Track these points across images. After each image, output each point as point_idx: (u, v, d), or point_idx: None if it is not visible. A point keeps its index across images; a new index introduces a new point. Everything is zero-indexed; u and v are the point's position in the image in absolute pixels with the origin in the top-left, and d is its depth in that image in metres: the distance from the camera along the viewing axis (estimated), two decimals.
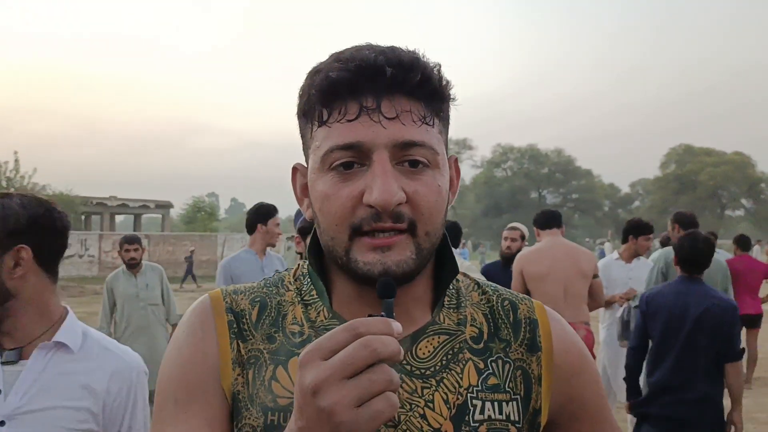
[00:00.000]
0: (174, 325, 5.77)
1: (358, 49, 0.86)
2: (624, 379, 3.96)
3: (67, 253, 1.80)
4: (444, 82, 0.88)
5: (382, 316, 0.72)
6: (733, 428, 3.64)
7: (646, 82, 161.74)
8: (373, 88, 0.83)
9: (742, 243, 8.53)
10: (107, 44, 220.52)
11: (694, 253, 3.69)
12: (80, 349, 1.61)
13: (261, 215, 4.90)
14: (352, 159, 0.84)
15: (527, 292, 4.48)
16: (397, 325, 0.69)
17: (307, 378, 0.66)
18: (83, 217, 36.41)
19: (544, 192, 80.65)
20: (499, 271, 5.34)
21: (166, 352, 0.95)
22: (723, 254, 9.12)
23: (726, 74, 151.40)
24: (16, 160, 30.70)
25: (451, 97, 0.91)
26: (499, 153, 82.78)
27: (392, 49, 0.85)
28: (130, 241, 5.61)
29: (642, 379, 3.89)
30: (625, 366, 3.94)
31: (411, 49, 0.87)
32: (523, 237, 5.85)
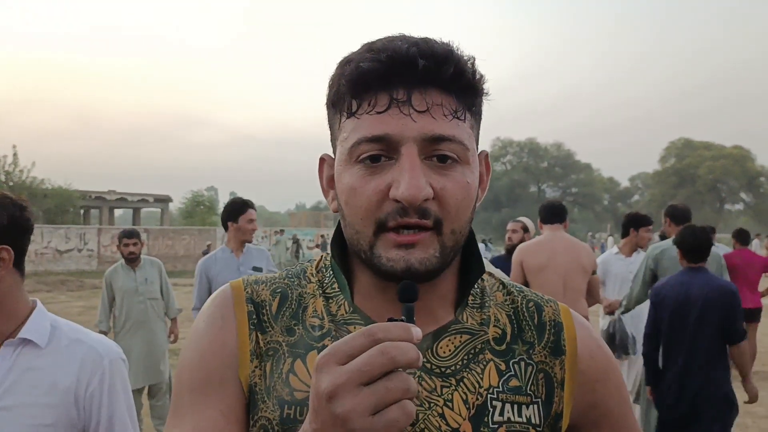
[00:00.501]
0: (173, 320, 5.78)
1: (390, 39, 0.83)
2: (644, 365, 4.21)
3: (66, 247, 1.81)
4: (477, 76, 0.86)
5: (402, 320, 0.70)
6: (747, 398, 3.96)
7: (646, 76, 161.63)
8: (404, 80, 0.81)
9: (741, 237, 8.53)
10: (107, 37, 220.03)
11: (694, 244, 3.95)
12: (48, 344, 1.59)
13: (231, 213, 4.81)
14: (380, 152, 0.82)
15: (526, 284, 4.48)
16: (417, 331, 0.67)
17: (322, 382, 0.65)
18: (82, 211, 36.39)
19: (543, 186, 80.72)
20: (504, 264, 5.33)
21: (186, 341, 0.94)
22: (722, 248, 9.13)
23: (725, 68, 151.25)
24: (15, 154, 30.70)
25: (485, 91, 0.89)
26: (498, 147, 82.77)
27: (426, 40, 0.83)
28: (129, 235, 5.59)
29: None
30: (642, 354, 4.17)
31: (445, 40, 0.85)
32: (525, 229, 5.85)
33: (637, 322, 5.25)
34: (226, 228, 4.86)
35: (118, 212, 43.65)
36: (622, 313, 5.18)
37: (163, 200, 38.59)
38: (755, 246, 19.34)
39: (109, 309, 5.59)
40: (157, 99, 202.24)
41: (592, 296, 4.90)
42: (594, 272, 4.83)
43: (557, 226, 4.81)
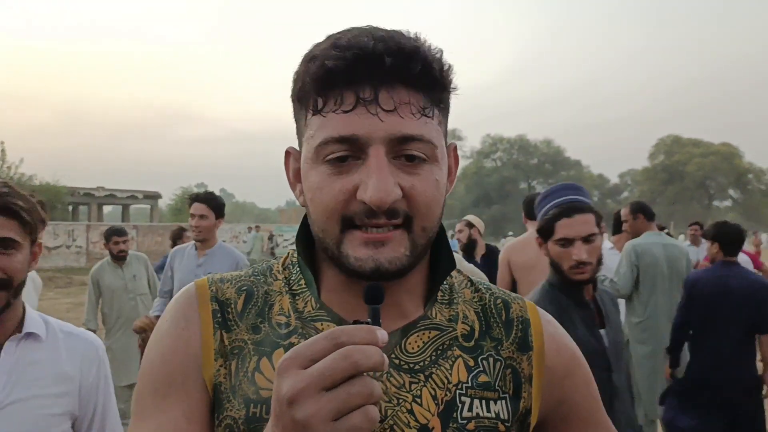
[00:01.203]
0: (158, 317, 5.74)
1: (356, 35, 0.81)
2: (667, 350, 4.48)
3: (55, 243, 1.82)
4: (445, 71, 0.84)
5: (367, 322, 0.69)
6: (765, 387, 4.18)
7: (635, 74, 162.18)
8: (370, 78, 0.79)
9: None
10: (95, 32, 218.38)
11: (733, 237, 4.17)
12: (46, 337, 1.63)
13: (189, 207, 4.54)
14: (347, 152, 0.80)
15: (514, 282, 4.49)
16: (382, 334, 0.66)
17: (283, 387, 0.64)
18: (70, 207, 36.15)
19: (533, 182, 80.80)
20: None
21: (149, 342, 0.92)
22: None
23: (714, 65, 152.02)
24: (2, 150, 30.47)
25: (452, 86, 0.87)
26: (488, 143, 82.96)
27: (392, 35, 0.80)
28: (119, 233, 5.53)
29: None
30: (671, 339, 4.39)
31: (413, 33, 0.83)
32: (470, 225, 5.96)
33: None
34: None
35: (107, 209, 43.42)
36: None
37: (153, 197, 38.40)
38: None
39: (95, 307, 5.53)
40: (146, 94, 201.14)
41: None
42: None
43: None
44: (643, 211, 5.09)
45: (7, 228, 1.53)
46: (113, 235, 5.53)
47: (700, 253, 7.91)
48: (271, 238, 27.68)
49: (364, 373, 0.64)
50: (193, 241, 4.53)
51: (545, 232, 2.42)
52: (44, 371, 1.60)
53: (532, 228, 4.85)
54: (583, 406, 0.99)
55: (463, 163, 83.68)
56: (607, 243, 6.15)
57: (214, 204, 4.35)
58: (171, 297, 4.30)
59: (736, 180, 70.85)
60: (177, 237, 7.03)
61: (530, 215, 4.90)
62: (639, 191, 76.43)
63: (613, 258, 5.79)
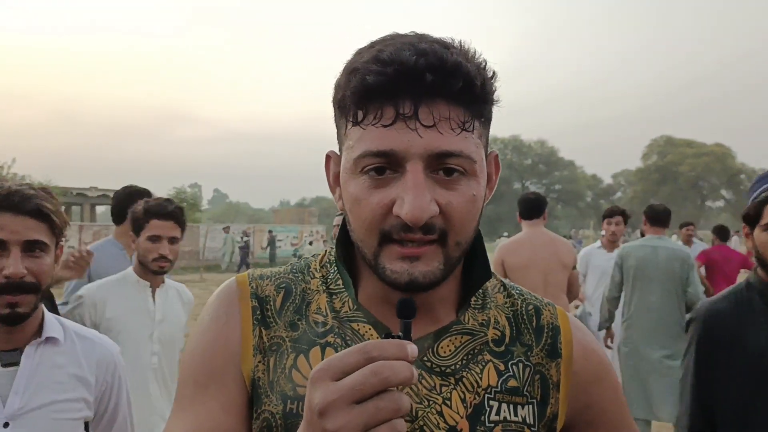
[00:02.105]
0: None
1: (398, 48, 0.80)
2: None
3: None
4: (488, 85, 0.84)
5: (399, 336, 0.71)
6: None
7: (629, 75, 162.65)
8: (411, 93, 0.79)
9: (721, 233, 8.63)
10: (89, 32, 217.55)
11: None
12: (64, 341, 1.63)
13: (133, 201, 3.74)
14: (385, 165, 0.81)
15: None
16: (412, 349, 0.67)
17: (315, 397, 0.66)
18: (63, 207, 35.65)
19: (527, 183, 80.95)
20: None
21: (191, 334, 0.95)
22: (701, 245, 9.26)
23: (707, 67, 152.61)
24: None
25: (495, 99, 0.87)
26: None
27: (435, 49, 0.80)
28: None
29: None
30: None
31: (457, 43, 0.83)
32: None
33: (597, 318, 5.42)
34: (120, 220, 3.95)
35: (100, 209, 43.24)
36: (607, 320, 5.24)
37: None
38: (734, 242, 19.57)
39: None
40: (139, 94, 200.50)
41: (571, 292, 4.93)
42: (574, 267, 4.85)
43: (537, 222, 4.75)
44: (647, 215, 5.19)
45: (37, 231, 1.53)
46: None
47: (693, 253, 7.96)
48: (242, 237, 27.57)
49: (396, 388, 0.66)
50: (110, 239, 4.06)
51: (752, 218, 2.04)
52: (63, 376, 1.59)
53: (527, 228, 4.85)
54: (610, 411, 1.00)
55: None
56: (596, 242, 6.18)
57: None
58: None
59: (729, 180, 71.13)
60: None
61: (525, 215, 4.89)
62: (632, 191, 76.69)
63: (598, 257, 5.85)
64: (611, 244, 5.85)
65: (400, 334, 0.72)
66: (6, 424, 1.48)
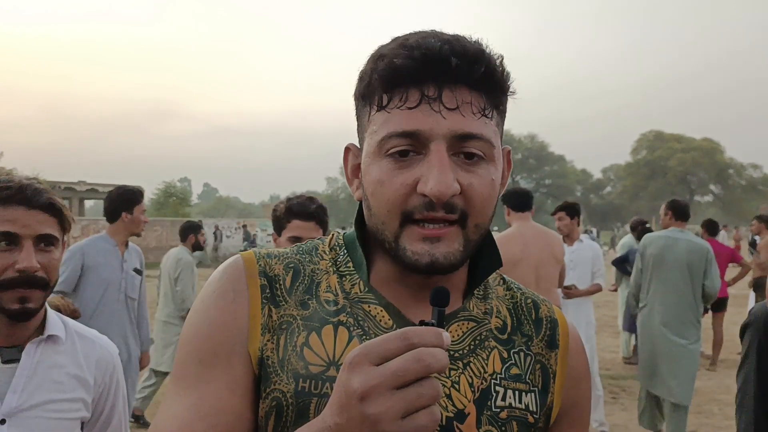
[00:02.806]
0: None
1: (423, 36, 0.85)
2: None
3: None
4: (506, 76, 0.88)
5: (432, 323, 0.72)
6: None
7: (619, 69, 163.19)
8: (436, 78, 0.83)
9: (710, 228, 8.69)
10: (76, 27, 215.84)
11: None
12: (65, 339, 1.61)
13: (126, 201, 4.17)
14: (409, 147, 0.83)
15: None
16: (447, 337, 0.69)
17: (354, 381, 0.67)
18: None
19: (517, 177, 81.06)
20: None
21: (192, 311, 0.93)
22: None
23: (696, 62, 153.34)
24: None
25: (511, 90, 0.90)
26: None
27: (457, 38, 0.85)
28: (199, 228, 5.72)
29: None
30: None
31: (475, 38, 0.87)
32: None
33: (578, 312, 5.52)
34: (114, 218, 4.18)
35: (88, 203, 43.01)
36: (636, 307, 5.45)
37: None
38: (722, 237, 19.70)
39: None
40: (128, 89, 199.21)
41: (559, 285, 4.95)
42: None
43: (526, 215, 4.77)
44: (672, 209, 5.37)
45: (49, 225, 1.52)
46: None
47: None
48: (215, 232, 27.33)
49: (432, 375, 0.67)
50: (103, 235, 4.24)
51: None
52: (62, 376, 1.57)
53: (517, 222, 4.84)
54: (585, 414, 1.04)
55: None
56: (584, 236, 6.20)
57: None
58: (64, 294, 3.88)
59: (717, 175, 71.54)
60: (194, 231, 6.34)
61: (517, 207, 4.82)
62: (621, 186, 77.01)
63: (584, 248, 5.88)
64: (565, 238, 5.90)
65: (434, 321, 0.73)
66: (3, 422, 1.47)
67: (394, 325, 0.90)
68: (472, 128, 0.83)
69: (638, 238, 8.37)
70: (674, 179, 70.41)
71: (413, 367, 0.65)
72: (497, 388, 0.91)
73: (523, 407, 0.92)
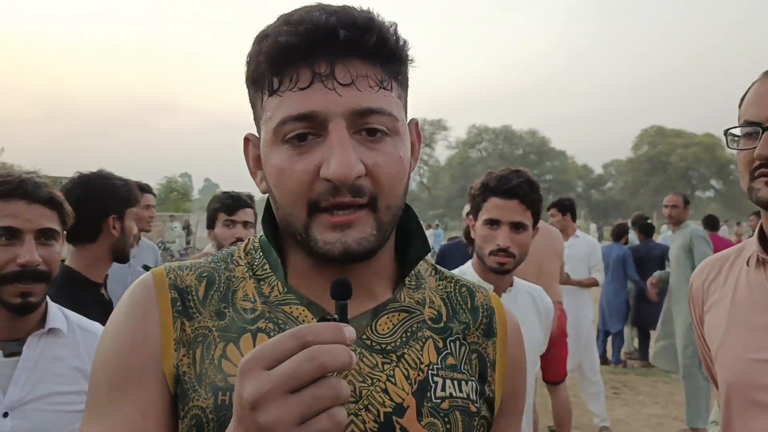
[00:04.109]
0: None
1: (308, 10, 0.79)
2: None
3: None
4: (401, 43, 0.83)
5: (335, 319, 0.67)
6: None
7: (620, 64, 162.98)
8: (326, 53, 0.78)
9: (711, 223, 8.71)
10: (75, 21, 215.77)
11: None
12: (67, 332, 1.62)
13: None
14: (307, 130, 0.79)
15: None
16: (350, 331, 0.64)
17: (246, 389, 0.61)
18: None
19: None
20: (462, 251, 5.36)
21: (103, 333, 0.88)
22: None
23: (697, 56, 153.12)
24: None
25: (409, 58, 0.86)
26: (473, 134, 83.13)
27: (345, 9, 0.79)
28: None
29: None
30: None
31: (366, 8, 0.82)
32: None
33: (576, 306, 5.56)
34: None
35: None
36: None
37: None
38: (724, 232, 19.72)
39: None
40: (129, 84, 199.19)
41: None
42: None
43: None
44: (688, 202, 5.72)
45: (50, 219, 1.53)
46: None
47: None
48: (187, 227, 27.25)
49: (333, 374, 0.62)
50: None
51: None
52: (64, 368, 1.58)
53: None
54: (521, 401, 1.02)
55: (448, 153, 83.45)
56: (580, 232, 6.20)
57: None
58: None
59: (718, 171, 71.51)
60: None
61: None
62: (623, 182, 77.00)
63: (579, 243, 5.88)
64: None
65: (336, 316, 0.68)
66: (5, 414, 1.47)
67: None
68: (370, 102, 0.79)
69: (640, 233, 8.38)
70: (675, 175, 70.37)
71: (305, 367, 0.60)
72: (435, 378, 0.88)
73: (465, 396, 0.89)
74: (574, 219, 6.04)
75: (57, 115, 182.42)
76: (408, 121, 0.90)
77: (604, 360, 7.91)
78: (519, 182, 2.08)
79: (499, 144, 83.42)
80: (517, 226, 2.09)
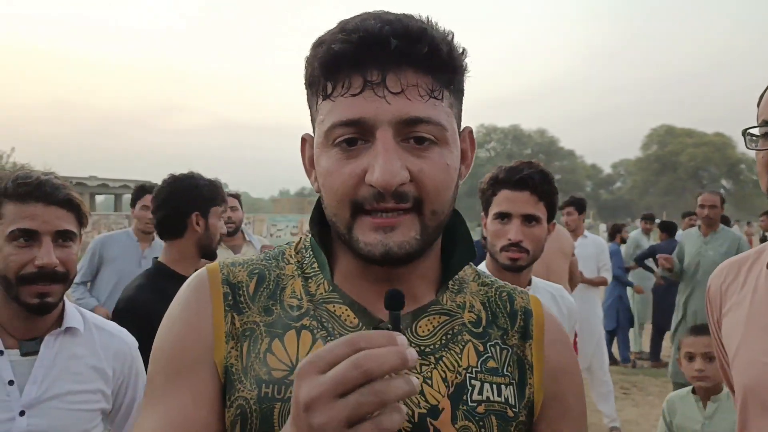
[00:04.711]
0: None
1: (364, 18, 0.82)
2: None
3: None
4: (455, 53, 0.84)
5: (388, 328, 0.70)
6: None
7: (629, 63, 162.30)
8: (377, 61, 0.80)
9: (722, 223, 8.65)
10: (83, 22, 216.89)
11: None
12: (84, 331, 1.64)
13: (132, 199, 4.45)
14: (355, 135, 0.81)
15: None
16: (401, 339, 0.66)
17: (301, 391, 0.66)
18: None
19: None
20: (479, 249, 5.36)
21: (161, 325, 0.93)
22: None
23: (707, 56, 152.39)
24: None
25: (465, 67, 0.87)
26: (482, 133, 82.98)
27: (400, 18, 0.81)
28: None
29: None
30: None
31: (424, 17, 0.84)
32: None
33: (584, 305, 5.48)
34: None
35: (99, 198, 43.20)
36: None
37: None
38: (735, 231, 19.60)
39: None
40: (137, 84, 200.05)
41: (572, 279, 4.95)
42: (572, 254, 4.86)
43: None
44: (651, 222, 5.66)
45: (67, 220, 1.55)
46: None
47: None
48: None
49: (387, 376, 0.64)
50: (128, 230, 4.44)
51: None
52: (82, 366, 1.60)
53: None
54: (575, 409, 0.99)
55: None
56: (588, 232, 6.17)
57: None
58: (86, 286, 4.23)
59: (729, 170, 71.08)
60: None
61: None
62: (632, 181, 76.68)
63: (588, 243, 5.85)
64: (570, 233, 5.87)
65: (389, 325, 0.71)
66: (22, 413, 1.49)
67: (360, 324, 0.88)
68: (419, 112, 0.80)
69: (663, 231, 8.33)
70: (685, 174, 70.01)
71: (351, 373, 0.63)
72: (473, 382, 0.89)
73: (503, 401, 0.90)
74: (583, 219, 6.02)
75: (69, 113, 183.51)
76: (462, 128, 0.91)
77: (612, 360, 7.89)
78: (530, 173, 1.95)
79: (508, 144, 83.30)
80: (529, 219, 1.95)
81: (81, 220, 1.60)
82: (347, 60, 0.80)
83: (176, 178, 2.52)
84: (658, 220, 9.27)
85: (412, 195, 0.81)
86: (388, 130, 0.80)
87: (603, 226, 34.35)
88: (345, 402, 0.63)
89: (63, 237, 1.54)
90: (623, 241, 8.75)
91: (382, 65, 0.80)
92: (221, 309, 0.90)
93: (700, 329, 2.95)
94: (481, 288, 1.00)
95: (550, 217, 2.05)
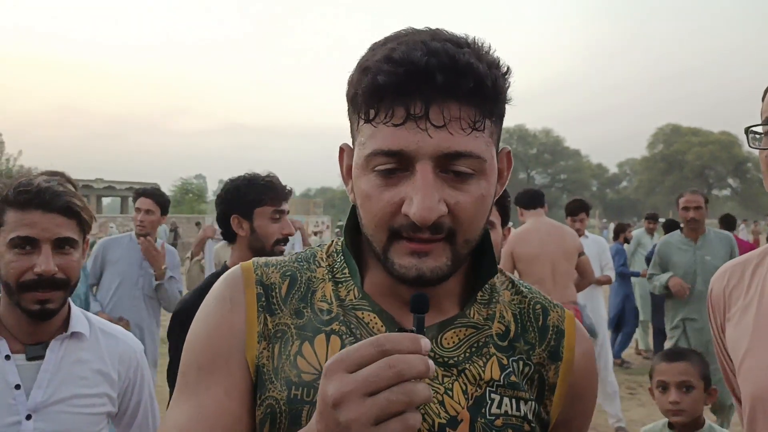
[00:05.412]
0: None
1: (410, 48, 0.80)
2: None
3: None
4: (500, 82, 0.84)
5: (412, 331, 0.72)
6: None
7: (635, 62, 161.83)
8: (421, 93, 0.79)
9: (727, 222, 8.63)
10: (93, 28, 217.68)
11: None
12: (89, 336, 1.65)
13: (133, 201, 4.48)
14: (395, 165, 0.81)
15: (515, 274, 4.49)
16: (425, 343, 0.69)
17: (329, 389, 0.68)
18: None
19: (532, 172, 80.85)
20: None
21: (195, 319, 0.95)
22: None
23: (713, 54, 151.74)
24: (1, 142, 30.47)
25: (508, 97, 0.87)
26: None
27: (446, 49, 0.79)
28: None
29: None
30: None
31: (470, 39, 0.84)
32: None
33: (588, 304, 5.46)
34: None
35: (105, 201, 43.39)
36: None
37: None
38: (741, 231, 19.52)
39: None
40: (143, 87, 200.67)
41: (585, 278, 4.94)
42: (582, 253, 4.85)
43: (539, 211, 4.78)
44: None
45: (67, 228, 1.55)
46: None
47: None
48: (174, 230, 27.33)
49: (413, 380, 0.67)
50: (131, 234, 4.44)
51: None
52: (87, 371, 1.61)
53: (531, 218, 4.86)
54: (582, 430, 1.01)
55: None
56: (588, 232, 6.15)
57: (161, 200, 4.33)
58: (92, 290, 4.25)
59: (735, 169, 70.89)
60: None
61: (528, 205, 4.87)
62: (637, 181, 76.47)
63: (589, 243, 5.84)
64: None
65: (414, 328, 0.73)
66: (29, 417, 1.50)
67: (386, 332, 0.87)
68: (459, 146, 0.80)
69: (667, 232, 8.31)
70: (691, 173, 69.81)
71: (385, 373, 0.66)
72: (493, 395, 0.90)
73: (521, 415, 0.90)
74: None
75: (75, 116, 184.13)
76: (501, 149, 0.92)
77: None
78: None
79: (513, 143, 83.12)
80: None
81: (83, 226, 1.60)
82: (391, 91, 0.80)
83: (228, 181, 2.46)
84: (662, 220, 9.24)
85: (447, 226, 0.82)
86: (428, 164, 0.80)
87: (611, 226, 34.29)
88: (375, 400, 0.66)
89: (63, 244, 1.54)
90: (627, 240, 8.74)
91: (426, 98, 0.79)
92: (254, 309, 0.92)
93: (676, 355, 2.57)
94: (514, 297, 0.99)
95: (504, 222, 2.10)
